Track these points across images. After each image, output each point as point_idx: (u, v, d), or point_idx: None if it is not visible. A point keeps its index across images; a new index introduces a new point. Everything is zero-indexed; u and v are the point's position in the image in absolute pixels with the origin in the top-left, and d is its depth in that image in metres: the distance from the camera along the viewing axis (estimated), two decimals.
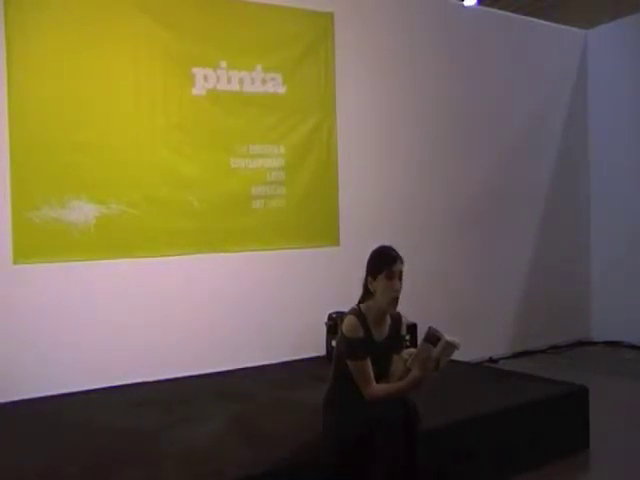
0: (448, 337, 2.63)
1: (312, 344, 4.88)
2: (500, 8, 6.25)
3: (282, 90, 5.06)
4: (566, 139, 6.90)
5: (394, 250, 2.88)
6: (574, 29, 6.91)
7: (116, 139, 4.40)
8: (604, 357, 6.46)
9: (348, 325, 2.81)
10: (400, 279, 2.83)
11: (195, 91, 4.71)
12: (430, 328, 2.67)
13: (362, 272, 2.91)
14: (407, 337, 3.21)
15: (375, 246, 2.95)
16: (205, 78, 4.75)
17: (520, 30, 6.50)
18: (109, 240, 4.38)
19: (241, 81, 4.90)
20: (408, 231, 5.49)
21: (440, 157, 5.95)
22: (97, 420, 3.55)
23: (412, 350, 2.80)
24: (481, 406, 3.59)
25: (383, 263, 2.82)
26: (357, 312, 2.85)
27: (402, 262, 2.85)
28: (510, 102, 6.41)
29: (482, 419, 3.45)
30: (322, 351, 4.86)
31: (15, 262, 4.09)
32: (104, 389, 4.12)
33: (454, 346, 2.63)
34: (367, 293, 2.89)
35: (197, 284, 4.69)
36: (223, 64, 4.81)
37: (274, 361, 4.78)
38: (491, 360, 6.05)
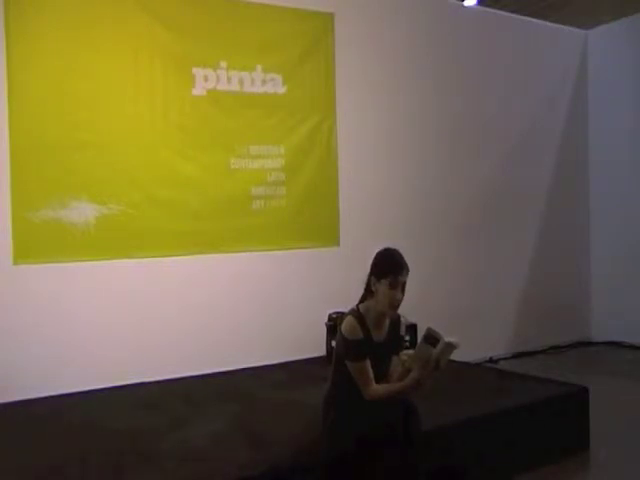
0: (447, 338, 2.63)
1: (312, 344, 4.88)
2: (500, 8, 6.25)
3: (282, 90, 5.06)
4: (566, 139, 6.90)
5: (402, 257, 2.84)
6: (574, 29, 6.91)
7: (116, 139, 4.40)
8: (604, 357, 6.46)
9: (347, 326, 2.81)
10: (403, 290, 2.82)
11: (195, 91, 4.71)
12: (429, 329, 2.66)
13: (362, 272, 2.91)
14: (406, 337, 3.21)
15: (376, 246, 2.95)
16: (205, 78, 4.75)
17: (520, 30, 6.50)
18: (109, 240, 4.38)
19: (241, 81, 4.90)
20: (408, 231, 5.49)
21: (440, 157, 5.95)
22: (97, 420, 3.55)
23: (410, 352, 2.80)
24: (481, 406, 3.59)
25: (390, 269, 2.80)
26: (356, 313, 2.85)
27: (408, 272, 2.83)
28: (510, 102, 6.41)
29: (482, 419, 3.45)
30: (322, 351, 4.86)
31: (15, 262, 4.09)
32: (104, 389, 4.12)
33: (454, 346, 2.63)
34: (368, 292, 2.88)
35: (197, 284, 4.69)
36: (223, 64, 4.82)
37: (274, 361, 4.78)
38: (491, 360, 6.05)
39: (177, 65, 4.63)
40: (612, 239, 6.83)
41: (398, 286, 2.79)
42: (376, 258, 2.89)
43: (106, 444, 3.15)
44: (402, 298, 2.83)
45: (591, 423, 3.91)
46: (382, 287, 2.79)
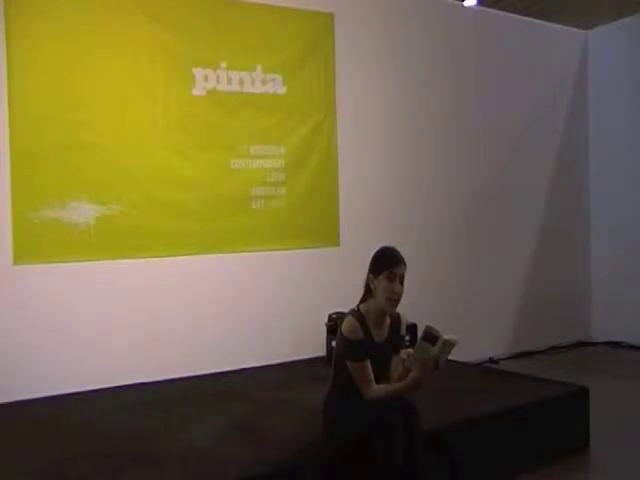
0: (446, 336, 2.63)
1: (312, 344, 4.88)
2: (500, 8, 6.25)
3: (282, 91, 5.06)
4: (566, 139, 6.90)
5: (398, 252, 2.89)
6: (574, 29, 6.91)
7: (116, 140, 4.39)
8: (604, 357, 6.46)
9: (348, 326, 2.82)
10: (401, 283, 2.83)
11: (195, 92, 4.71)
12: (427, 327, 2.67)
13: (362, 272, 2.92)
14: (407, 337, 3.21)
15: (376, 246, 2.96)
16: (205, 79, 4.75)
17: (520, 30, 6.50)
18: (109, 241, 4.37)
19: (241, 82, 4.89)
20: (408, 231, 5.49)
21: (440, 157, 5.95)
22: (97, 421, 3.56)
23: (410, 350, 2.80)
24: (481, 406, 3.59)
25: (386, 263, 2.83)
26: (357, 313, 2.86)
27: (405, 266, 2.85)
28: (510, 102, 6.41)
29: (482, 419, 3.45)
30: (322, 351, 4.86)
31: (15, 263, 4.09)
32: (104, 389, 4.12)
33: (452, 344, 2.63)
34: (368, 291, 2.89)
35: (197, 284, 4.69)
36: (223, 65, 4.81)
37: (274, 361, 4.78)
38: (491, 360, 6.05)
39: (177, 65, 4.63)
40: (612, 239, 6.83)
41: (396, 279, 2.80)
42: (373, 257, 2.91)
43: (106, 444, 3.15)
44: (402, 292, 2.84)
45: (591, 423, 3.91)
46: (380, 282, 2.81)
